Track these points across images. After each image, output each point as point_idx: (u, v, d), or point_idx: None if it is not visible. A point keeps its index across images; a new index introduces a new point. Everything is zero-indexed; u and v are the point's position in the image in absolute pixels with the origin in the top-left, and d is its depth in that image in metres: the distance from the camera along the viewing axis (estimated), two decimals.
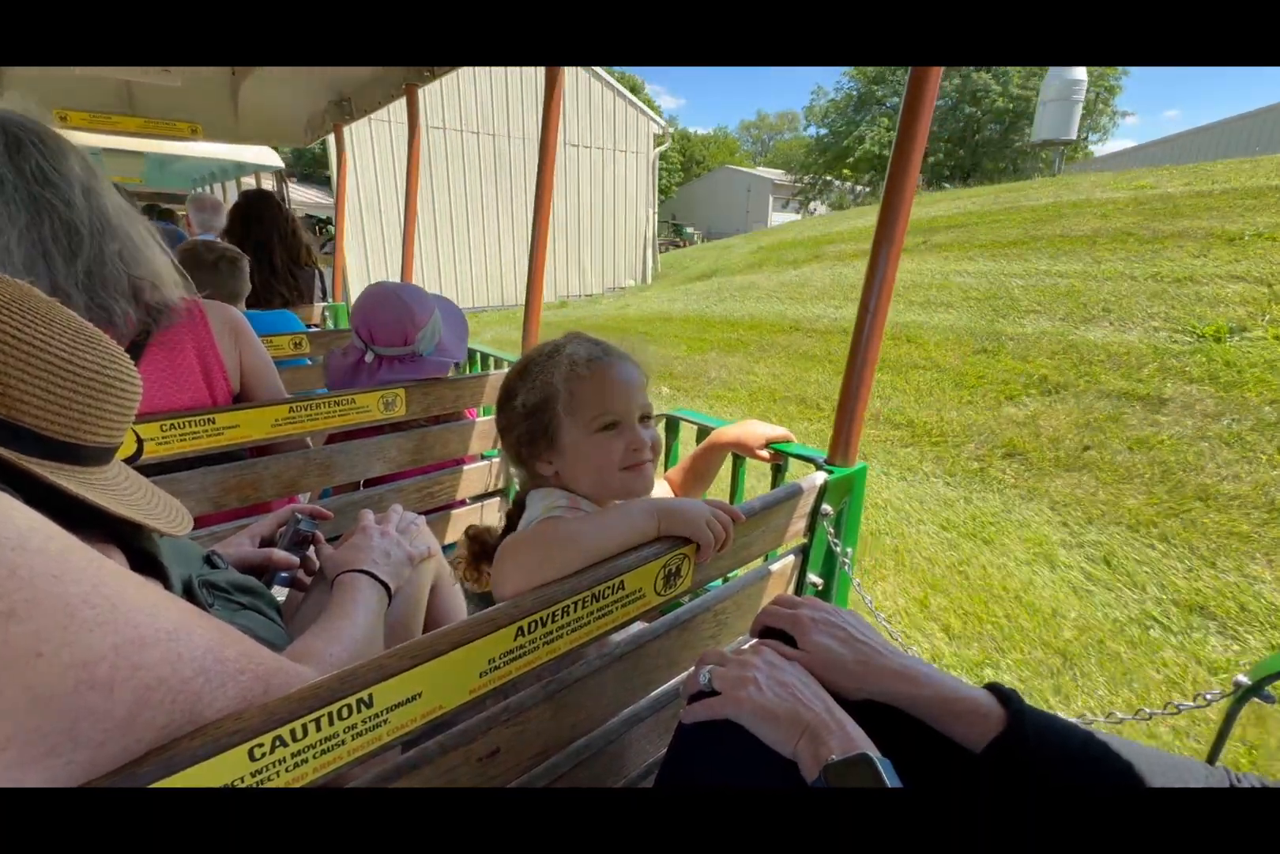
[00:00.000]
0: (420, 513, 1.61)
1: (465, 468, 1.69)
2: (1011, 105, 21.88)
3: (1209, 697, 0.73)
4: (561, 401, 0.80)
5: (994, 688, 0.59)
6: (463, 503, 1.74)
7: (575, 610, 0.66)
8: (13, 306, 0.50)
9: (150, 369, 1.14)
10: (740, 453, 1.14)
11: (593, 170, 11.98)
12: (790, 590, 0.98)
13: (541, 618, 0.63)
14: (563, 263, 11.88)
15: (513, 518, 0.89)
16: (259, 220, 2.50)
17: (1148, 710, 0.77)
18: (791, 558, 0.96)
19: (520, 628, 0.62)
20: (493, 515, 1.81)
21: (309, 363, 2.19)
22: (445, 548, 1.71)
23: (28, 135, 0.96)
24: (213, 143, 3.75)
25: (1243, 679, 0.70)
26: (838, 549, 0.93)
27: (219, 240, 2.04)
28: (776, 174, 32.62)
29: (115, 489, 0.56)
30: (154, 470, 1.17)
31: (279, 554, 0.91)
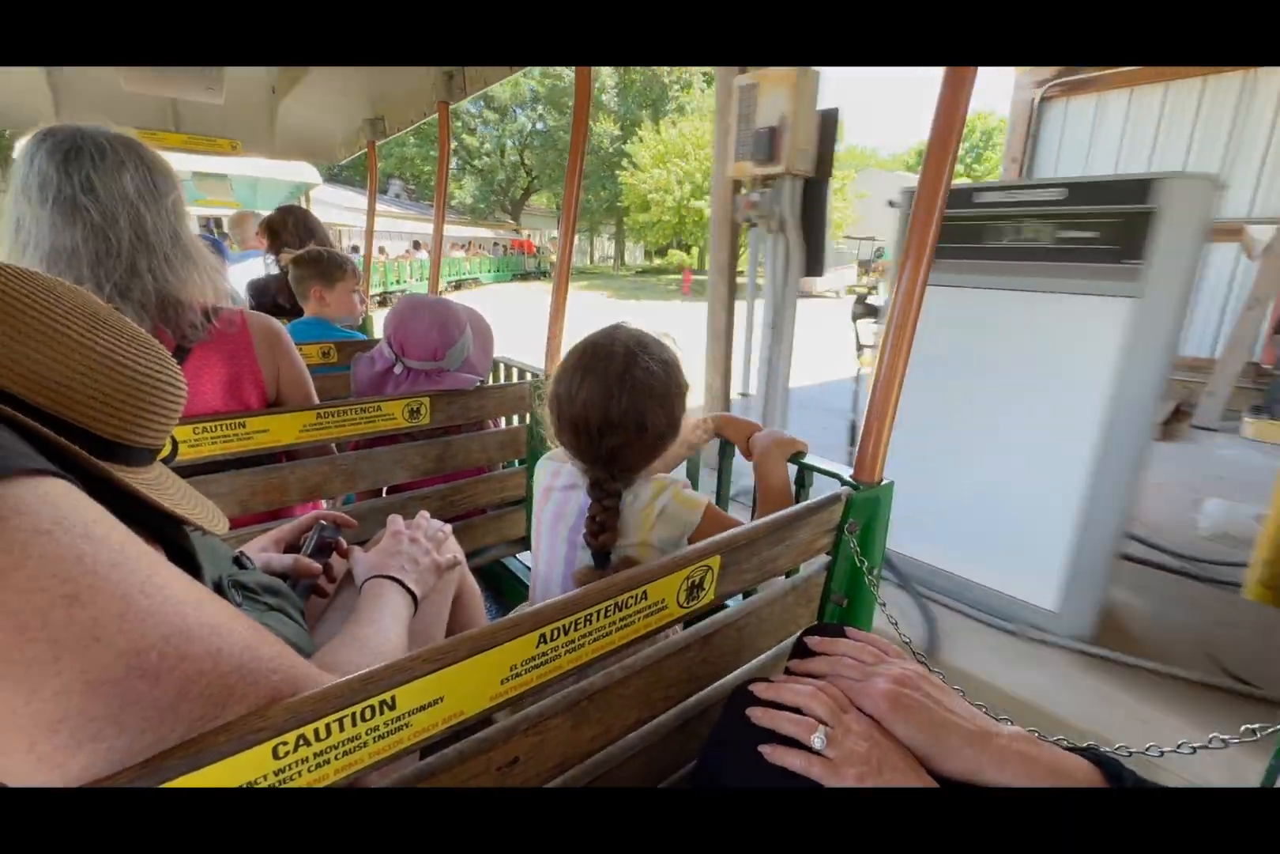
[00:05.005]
0: (443, 521, 1.62)
1: (487, 476, 1.70)
2: None
3: None
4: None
5: (1093, 754, 0.56)
6: (483, 512, 1.75)
7: (598, 619, 0.66)
8: (76, 313, 0.52)
9: (190, 375, 1.17)
10: (726, 439, 1.18)
11: None
12: (814, 607, 0.96)
13: (564, 626, 0.63)
14: None
15: (609, 509, 0.88)
16: (296, 236, 2.56)
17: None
18: (815, 574, 0.94)
19: (543, 635, 0.61)
20: (513, 525, 1.81)
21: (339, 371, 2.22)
22: (468, 556, 1.72)
23: (89, 147, 1.02)
24: (272, 161, 3.95)
25: None
26: (862, 566, 0.92)
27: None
28: None
29: (159, 488, 0.57)
30: (185, 472, 1.20)
31: (304, 561, 0.92)
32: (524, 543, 1.86)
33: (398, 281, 15.36)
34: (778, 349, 2.75)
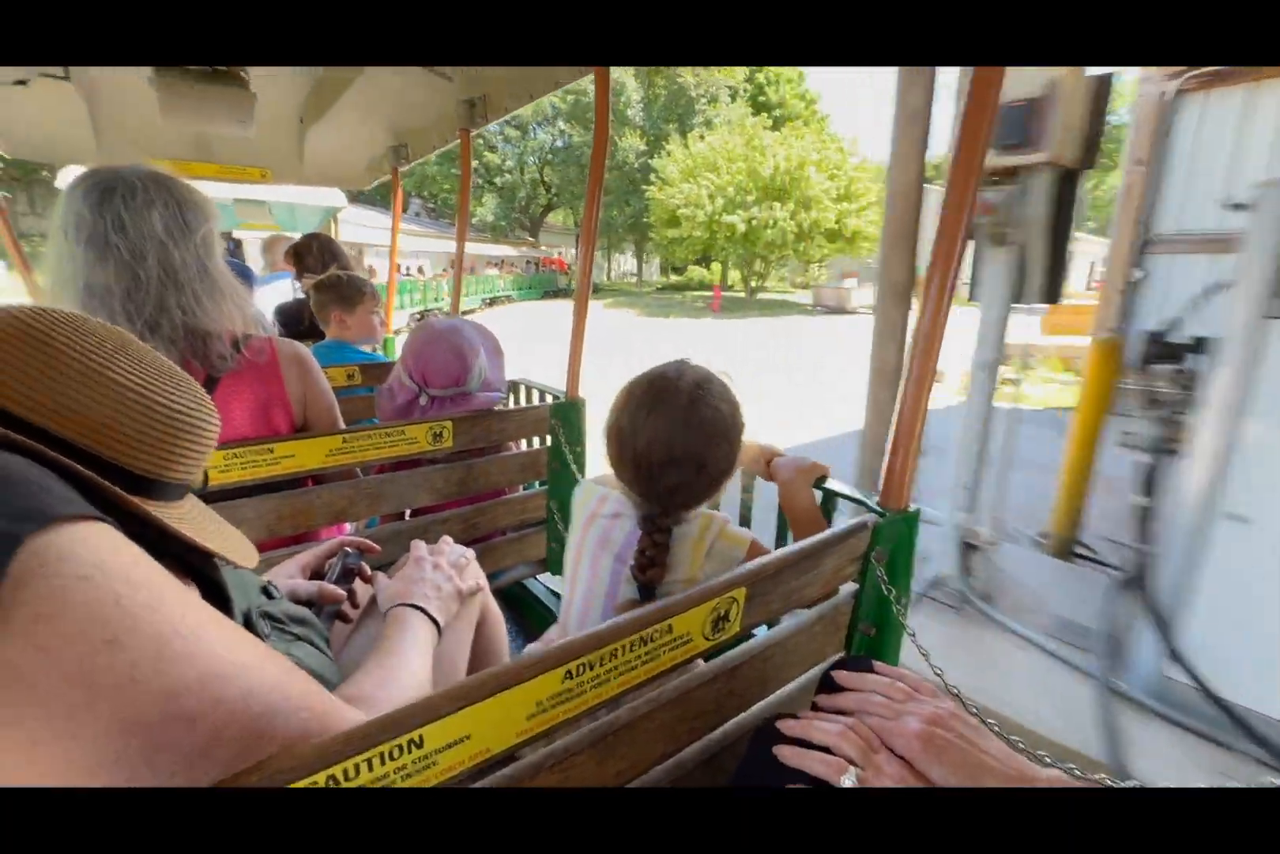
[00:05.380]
0: (464, 543, 1.62)
1: (508, 498, 1.71)
2: None
3: None
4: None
5: None
6: (504, 533, 1.76)
7: (624, 653, 0.65)
8: (119, 354, 0.54)
9: (220, 403, 1.20)
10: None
11: None
12: (840, 636, 0.94)
13: (590, 661, 0.62)
14: None
15: (660, 545, 0.87)
16: (320, 261, 2.62)
17: None
18: (841, 604, 0.93)
19: (569, 671, 0.61)
20: (534, 546, 1.81)
21: (362, 392, 2.26)
22: (489, 577, 1.72)
23: (121, 187, 1.06)
24: (301, 187, 4.10)
25: None
26: (890, 595, 0.90)
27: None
28: None
29: (191, 522, 0.59)
30: (213, 497, 1.22)
31: (328, 588, 0.92)
32: (544, 564, 1.85)
33: (436, 299, 15.67)
34: (983, 395, 2.31)
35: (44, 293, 1.08)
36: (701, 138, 22.86)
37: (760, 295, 23.78)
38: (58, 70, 1.95)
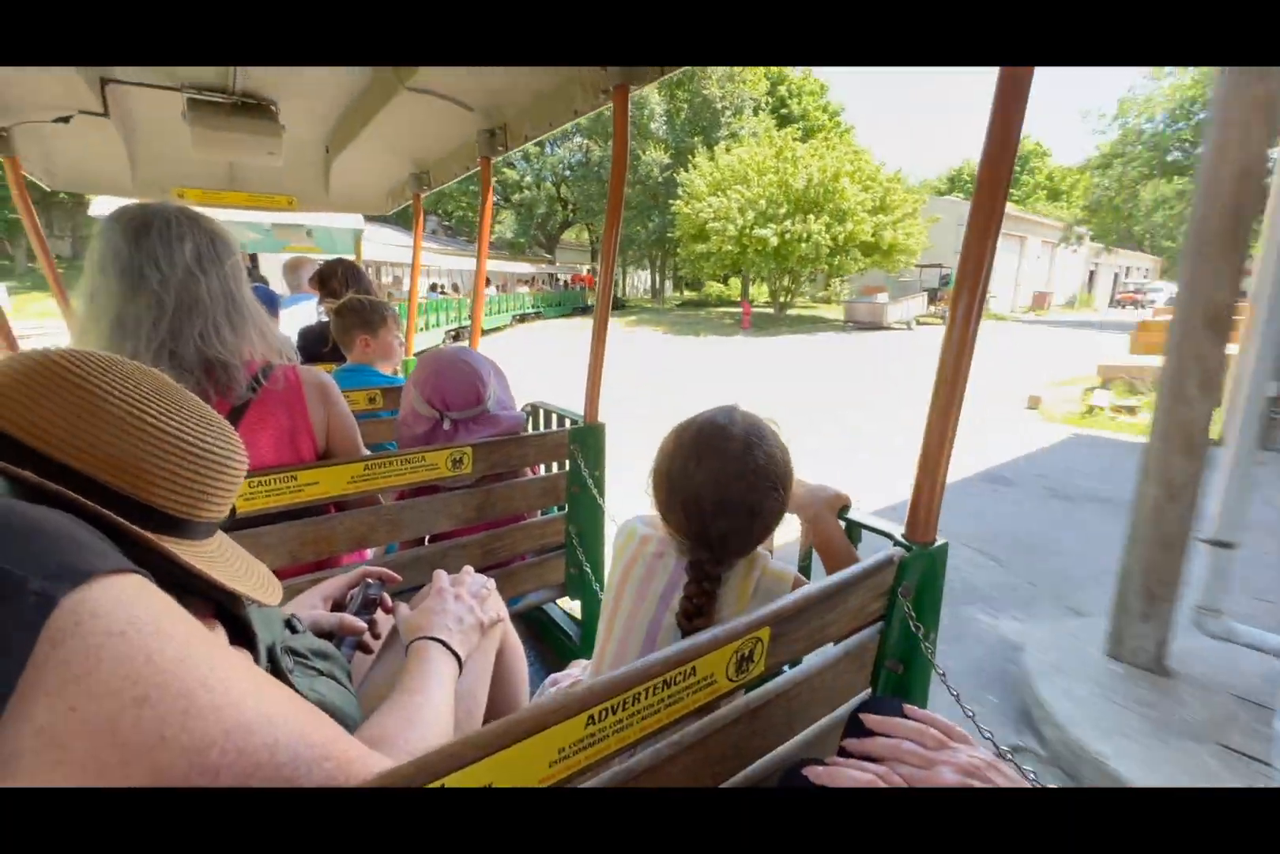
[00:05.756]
0: (483, 568, 1.63)
1: (527, 523, 1.71)
2: None
3: None
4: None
5: None
6: (523, 558, 1.75)
7: (646, 697, 0.64)
8: (154, 396, 0.55)
9: (246, 431, 1.22)
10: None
11: None
12: (867, 673, 0.92)
13: (612, 706, 0.61)
14: None
15: (708, 593, 0.86)
16: (344, 285, 2.67)
17: None
18: (867, 641, 0.91)
19: (591, 716, 0.60)
20: (553, 571, 1.80)
21: (384, 416, 2.29)
22: (508, 603, 1.71)
23: (157, 222, 1.10)
24: (331, 214, 4.25)
25: None
26: (918, 632, 0.88)
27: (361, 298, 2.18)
28: None
29: (220, 561, 0.59)
30: (237, 524, 1.23)
31: (349, 619, 0.93)
32: (563, 589, 1.84)
33: (470, 317, 15.84)
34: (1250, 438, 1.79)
35: (77, 324, 1.12)
36: (728, 150, 22.21)
37: (787, 311, 23.02)
38: (97, 107, 2.03)
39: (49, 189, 2.75)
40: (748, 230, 19.30)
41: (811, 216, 18.98)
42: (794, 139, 21.11)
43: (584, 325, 18.19)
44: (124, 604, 0.39)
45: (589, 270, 30.38)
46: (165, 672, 0.39)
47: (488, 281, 20.11)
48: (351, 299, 2.13)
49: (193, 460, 0.56)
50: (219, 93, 2.14)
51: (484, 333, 16.24)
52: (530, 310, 21.01)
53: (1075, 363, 9.23)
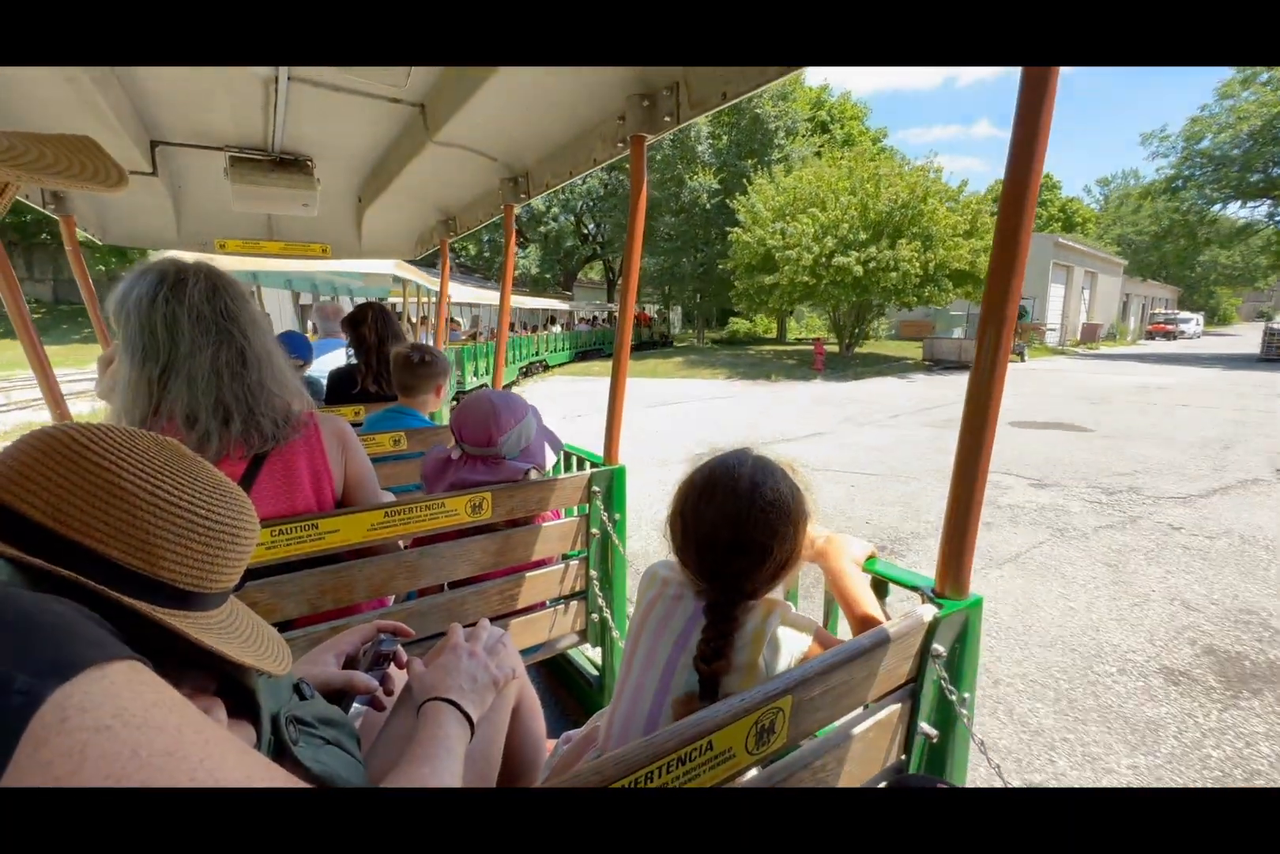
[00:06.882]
0: (503, 615, 1.60)
1: (547, 569, 1.68)
2: None
3: None
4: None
5: None
6: (542, 605, 1.72)
7: (660, 776, 0.61)
8: (168, 470, 0.56)
9: (269, 477, 1.23)
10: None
11: None
12: (897, 742, 0.86)
13: (624, 786, 0.58)
14: None
15: (725, 635, 0.85)
16: (373, 330, 2.73)
17: None
18: (898, 705, 0.85)
19: None
20: (575, 617, 1.77)
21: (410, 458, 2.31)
22: (526, 652, 1.68)
23: (224, 284, 1.19)
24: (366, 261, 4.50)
25: None
26: (953, 697, 0.82)
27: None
28: None
29: (228, 631, 0.59)
30: (258, 573, 1.24)
31: (360, 677, 0.91)
32: (584, 636, 1.80)
33: (536, 353, 16.08)
34: None
35: (108, 378, 1.16)
36: (788, 172, 19.63)
37: (854, 349, 19.70)
38: (146, 167, 2.16)
39: (100, 243, 2.90)
40: (825, 257, 16.36)
41: (902, 241, 15.98)
42: (869, 159, 18.18)
43: (646, 364, 17.40)
44: (113, 695, 0.38)
45: (644, 308, 29.24)
46: (150, 765, 0.37)
47: (552, 320, 20.08)
48: (433, 349, 2.21)
49: (203, 533, 0.56)
50: (258, 151, 2.25)
51: (548, 368, 16.53)
52: (592, 347, 21.03)
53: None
